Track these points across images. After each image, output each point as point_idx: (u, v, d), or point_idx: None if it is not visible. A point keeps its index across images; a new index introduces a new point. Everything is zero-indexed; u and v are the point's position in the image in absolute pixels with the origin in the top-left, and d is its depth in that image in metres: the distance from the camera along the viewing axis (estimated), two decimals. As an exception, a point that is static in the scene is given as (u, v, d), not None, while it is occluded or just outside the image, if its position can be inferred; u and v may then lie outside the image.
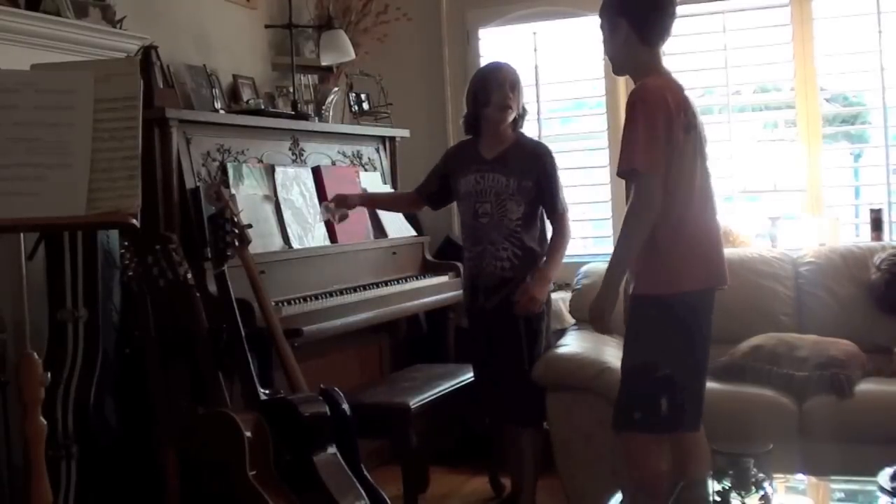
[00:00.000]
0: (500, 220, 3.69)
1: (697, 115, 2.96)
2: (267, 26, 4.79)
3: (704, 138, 2.99)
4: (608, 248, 5.04)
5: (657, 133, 2.79)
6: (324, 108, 4.71)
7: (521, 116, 3.82)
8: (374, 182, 4.70)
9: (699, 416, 3.02)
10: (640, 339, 2.95)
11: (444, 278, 4.56)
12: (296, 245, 3.94)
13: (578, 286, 4.27)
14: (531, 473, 3.79)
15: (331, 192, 4.22)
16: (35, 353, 2.32)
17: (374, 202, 4.37)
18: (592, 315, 2.95)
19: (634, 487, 3.01)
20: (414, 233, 4.77)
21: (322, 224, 4.17)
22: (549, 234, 3.79)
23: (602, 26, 3.03)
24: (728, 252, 4.28)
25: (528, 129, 5.13)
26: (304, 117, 4.45)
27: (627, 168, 2.82)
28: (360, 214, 4.47)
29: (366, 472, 3.24)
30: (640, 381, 2.92)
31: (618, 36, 2.95)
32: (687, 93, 2.95)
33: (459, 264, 4.51)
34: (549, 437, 3.75)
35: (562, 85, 5.15)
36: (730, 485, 2.24)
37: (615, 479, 3.16)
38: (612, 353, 3.76)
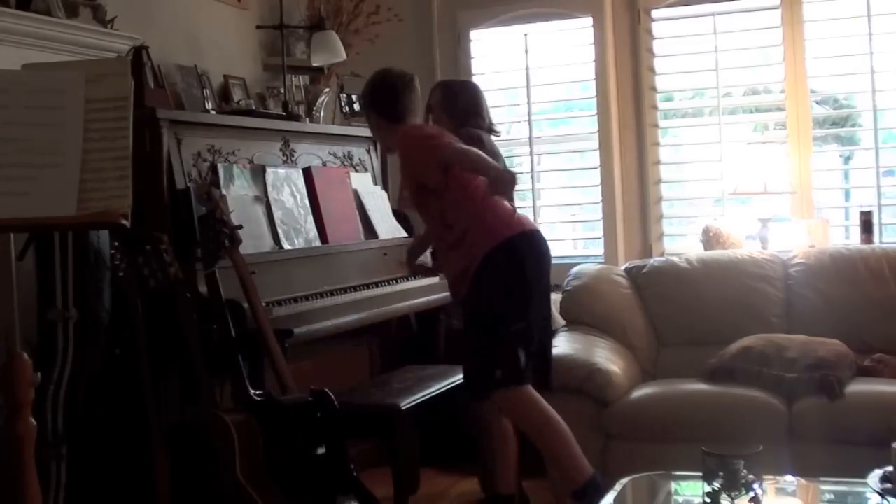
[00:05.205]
0: None
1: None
2: (258, 27, 4.79)
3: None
4: (598, 249, 5.05)
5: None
6: (315, 108, 4.71)
7: None
8: (364, 183, 4.69)
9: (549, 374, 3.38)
10: (479, 293, 3.24)
11: (434, 279, 4.56)
12: (286, 246, 3.94)
13: (569, 287, 4.26)
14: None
15: (322, 193, 4.22)
16: (25, 354, 2.32)
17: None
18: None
19: (538, 439, 3.26)
20: (405, 234, 4.76)
21: (313, 225, 4.16)
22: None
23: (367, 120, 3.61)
24: (718, 253, 4.35)
25: (519, 131, 5.17)
26: (295, 118, 4.44)
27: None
28: (350, 215, 4.46)
29: (356, 473, 3.24)
30: (495, 338, 3.16)
31: (372, 125, 3.56)
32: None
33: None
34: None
35: (552, 86, 5.16)
36: (720, 486, 2.24)
37: (605, 480, 3.16)
38: (602, 355, 3.77)
